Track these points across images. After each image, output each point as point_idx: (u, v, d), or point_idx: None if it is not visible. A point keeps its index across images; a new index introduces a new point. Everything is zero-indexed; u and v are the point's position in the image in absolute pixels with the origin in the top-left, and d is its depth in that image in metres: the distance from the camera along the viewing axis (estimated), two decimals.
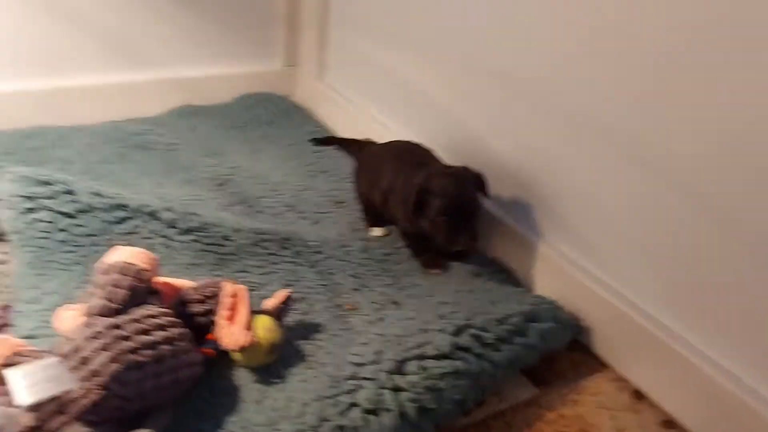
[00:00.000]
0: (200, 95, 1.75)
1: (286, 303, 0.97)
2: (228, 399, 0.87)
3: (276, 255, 1.15)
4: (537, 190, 1.19)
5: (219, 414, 0.84)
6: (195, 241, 1.13)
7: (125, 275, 0.83)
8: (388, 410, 0.83)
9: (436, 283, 1.15)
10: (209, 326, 0.90)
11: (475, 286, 1.15)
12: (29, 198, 1.10)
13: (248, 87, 1.82)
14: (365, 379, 0.86)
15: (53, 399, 0.70)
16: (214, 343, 0.89)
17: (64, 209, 1.10)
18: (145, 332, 0.78)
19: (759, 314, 0.89)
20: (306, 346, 0.98)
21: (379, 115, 1.60)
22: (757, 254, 0.87)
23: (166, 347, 0.79)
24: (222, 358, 0.91)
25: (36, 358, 0.75)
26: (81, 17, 1.51)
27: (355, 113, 1.67)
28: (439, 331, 0.96)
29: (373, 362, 0.89)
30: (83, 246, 1.09)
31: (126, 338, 0.76)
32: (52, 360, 0.73)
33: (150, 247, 1.09)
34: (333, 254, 1.17)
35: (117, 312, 0.80)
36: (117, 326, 0.77)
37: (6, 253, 1.11)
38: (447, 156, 1.28)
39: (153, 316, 0.81)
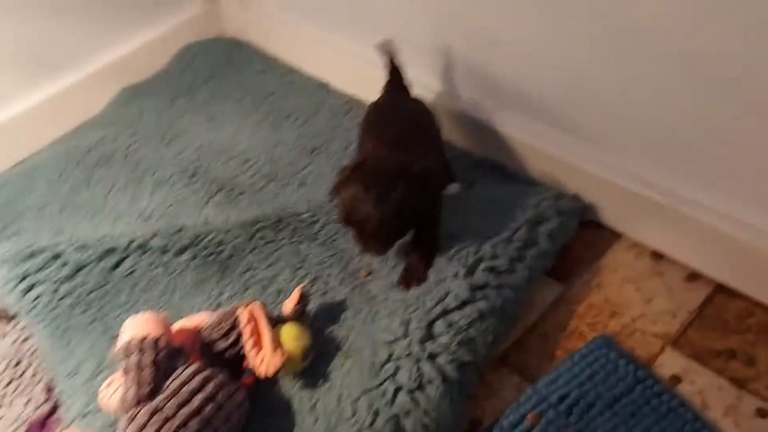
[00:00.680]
0: (134, 71, 1.63)
1: (302, 301, 0.98)
2: (283, 414, 0.92)
3: (274, 242, 1.14)
4: (510, 77, 1.13)
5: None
6: (193, 257, 1.12)
7: (143, 351, 0.85)
8: (430, 382, 0.87)
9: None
10: (241, 356, 0.92)
11: (473, 201, 1.14)
12: (22, 278, 1.09)
13: (177, 42, 1.68)
14: (401, 358, 0.89)
15: None
16: (252, 371, 0.92)
17: (60, 275, 1.09)
18: (185, 403, 0.81)
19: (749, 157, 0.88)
20: (336, 331, 1.00)
21: (320, 30, 1.48)
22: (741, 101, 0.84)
23: (209, 407, 0.82)
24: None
25: None
26: None
27: (294, 35, 1.55)
28: (454, 276, 0.97)
29: (404, 335, 0.92)
30: (93, 302, 1.09)
31: (169, 418, 0.79)
32: None
33: (153, 280, 1.11)
34: (329, 219, 1.16)
35: (151, 392, 0.82)
36: (157, 410, 0.80)
37: (23, 328, 1.12)
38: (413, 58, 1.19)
39: (186, 382, 0.83)
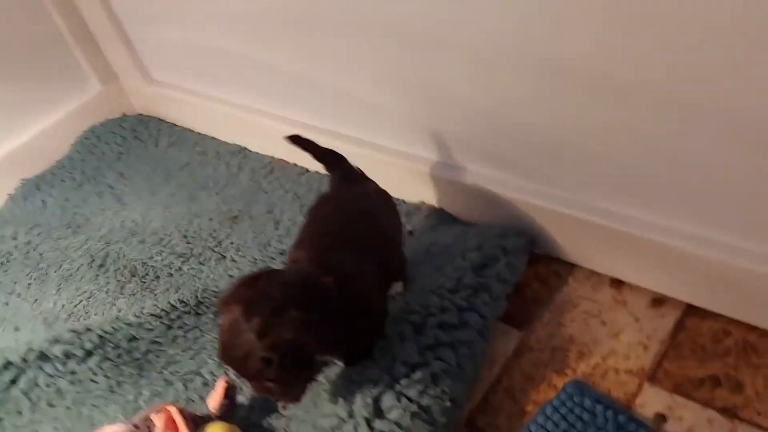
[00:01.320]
0: (35, 161, 1.50)
1: (229, 394, 0.85)
2: None
3: (196, 328, 1.01)
4: (439, 121, 1.05)
5: None
6: (102, 360, 0.98)
7: None
8: None
9: None
10: None
11: (412, 250, 1.03)
12: None
13: (81, 124, 1.57)
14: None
15: None
16: None
17: None
18: None
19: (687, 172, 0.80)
20: (274, 423, 0.87)
21: (231, 95, 1.39)
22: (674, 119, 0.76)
23: None
24: None
25: None
26: None
27: (204, 103, 1.45)
28: (400, 339, 0.86)
29: (349, 416, 0.79)
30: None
31: None
32: None
33: (58, 395, 0.97)
34: None
35: None
36: None
37: None
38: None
39: None
